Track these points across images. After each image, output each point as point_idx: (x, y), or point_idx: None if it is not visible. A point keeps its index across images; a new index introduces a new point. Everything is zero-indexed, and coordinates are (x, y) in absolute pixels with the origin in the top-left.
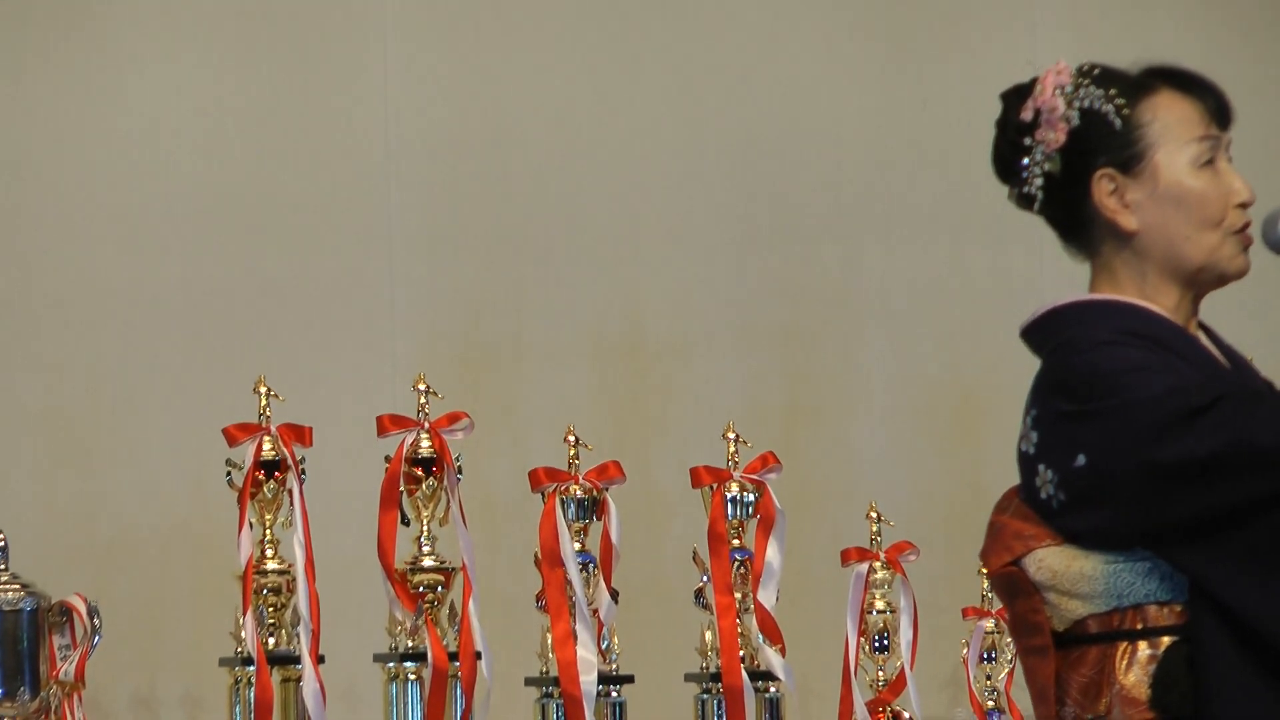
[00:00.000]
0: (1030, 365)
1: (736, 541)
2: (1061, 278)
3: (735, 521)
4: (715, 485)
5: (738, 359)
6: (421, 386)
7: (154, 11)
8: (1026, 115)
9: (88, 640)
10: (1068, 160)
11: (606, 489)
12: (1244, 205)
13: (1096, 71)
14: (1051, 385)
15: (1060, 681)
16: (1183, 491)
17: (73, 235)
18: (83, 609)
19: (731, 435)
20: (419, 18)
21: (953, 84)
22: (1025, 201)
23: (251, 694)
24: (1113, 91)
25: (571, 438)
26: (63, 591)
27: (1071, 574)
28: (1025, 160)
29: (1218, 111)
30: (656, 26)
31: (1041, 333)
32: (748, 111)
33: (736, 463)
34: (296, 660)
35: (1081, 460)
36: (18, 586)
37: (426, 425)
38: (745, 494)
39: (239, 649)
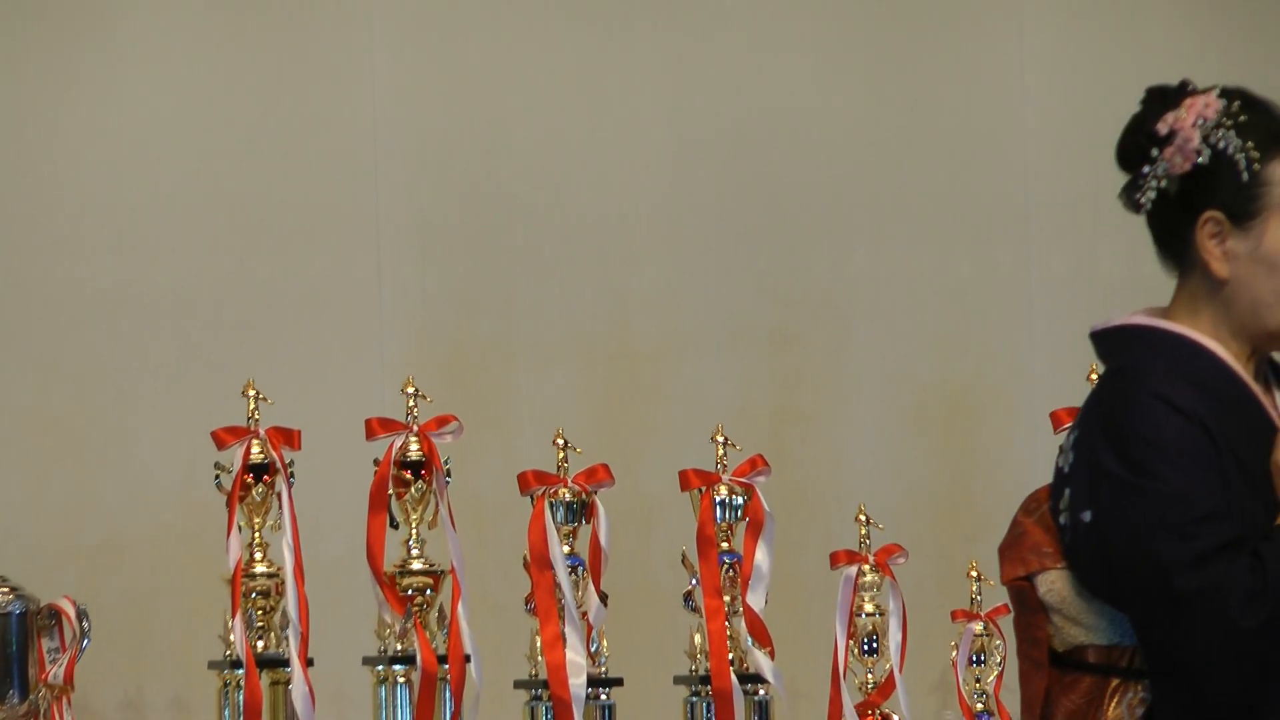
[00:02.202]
0: (1018, 369)
1: (725, 544)
2: (1049, 281)
3: (724, 524)
4: (704, 488)
5: (727, 361)
6: (410, 389)
7: (143, 14)
8: (1162, 129)
9: (76, 643)
10: (1185, 188)
11: (595, 492)
12: None
13: (1243, 117)
14: (1104, 428)
15: (1049, 700)
16: (1151, 601)
17: (61, 236)
18: (71, 612)
19: (720, 438)
20: (407, 17)
21: (942, 85)
22: (1133, 206)
23: (240, 697)
24: (1250, 144)
25: (560, 441)
26: (51, 594)
27: (1079, 603)
28: (1147, 169)
29: None
30: (646, 27)
31: (1108, 344)
32: (736, 113)
33: (725, 466)
34: (285, 663)
35: (1088, 516)
36: (6, 589)
37: (415, 428)
38: (734, 497)
39: (228, 652)
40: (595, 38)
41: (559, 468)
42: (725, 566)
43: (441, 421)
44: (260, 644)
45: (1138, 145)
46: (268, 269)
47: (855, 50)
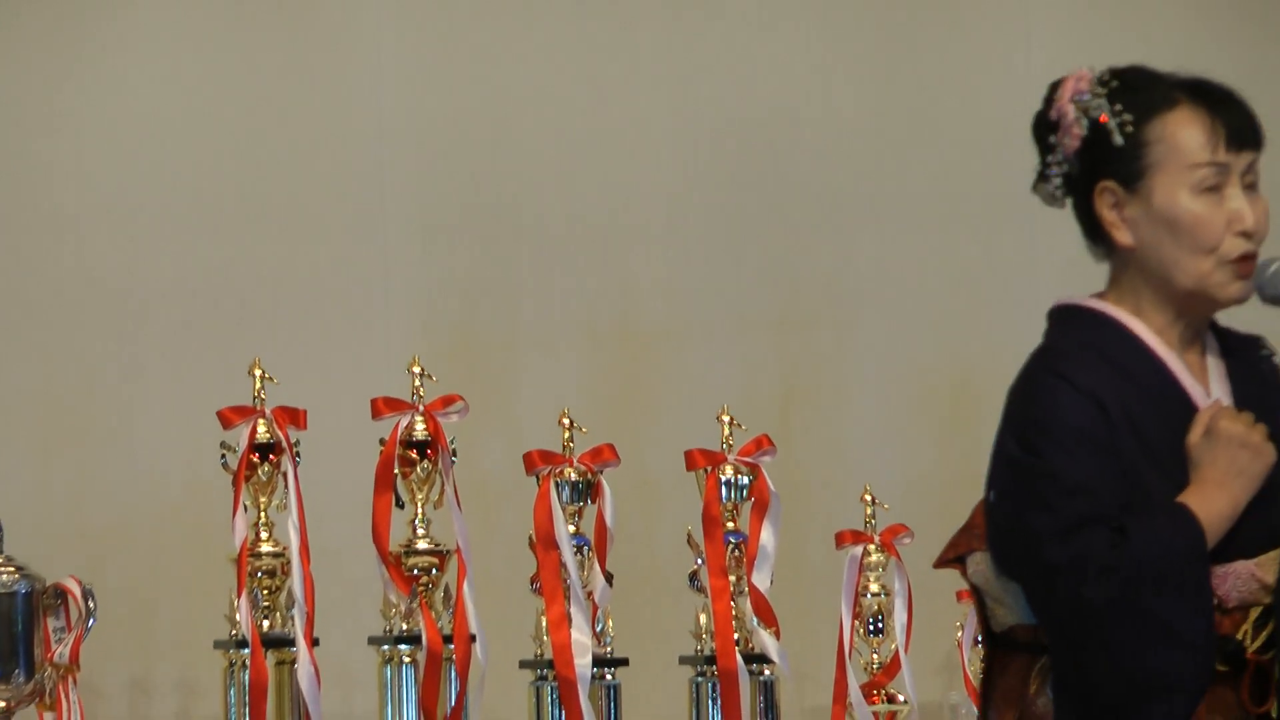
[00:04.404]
0: (1022, 354)
1: (731, 524)
2: (1054, 266)
3: (730, 504)
4: (710, 468)
5: (732, 346)
6: (416, 369)
7: (150, 1)
8: (1053, 115)
9: (82, 623)
10: (1081, 167)
11: (601, 472)
12: (1246, 234)
13: (1115, 83)
14: (1007, 409)
15: (989, 682)
16: (1018, 565)
17: (67, 222)
18: (78, 592)
19: (726, 418)
20: (414, 4)
21: (947, 73)
22: (1049, 198)
23: (246, 677)
24: (1119, 107)
25: (566, 421)
26: (58, 576)
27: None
28: (1049, 158)
29: (1239, 134)
30: (651, 16)
31: (1049, 321)
32: (742, 99)
33: (731, 446)
34: (291, 643)
35: (993, 496)
36: (12, 569)
37: (421, 408)
38: (740, 477)
39: (233, 632)
40: (601, 25)
41: (564, 448)
42: (731, 546)
43: (447, 401)
44: (266, 624)
45: (1040, 139)
46: (273, 253)
47: (861, 37)
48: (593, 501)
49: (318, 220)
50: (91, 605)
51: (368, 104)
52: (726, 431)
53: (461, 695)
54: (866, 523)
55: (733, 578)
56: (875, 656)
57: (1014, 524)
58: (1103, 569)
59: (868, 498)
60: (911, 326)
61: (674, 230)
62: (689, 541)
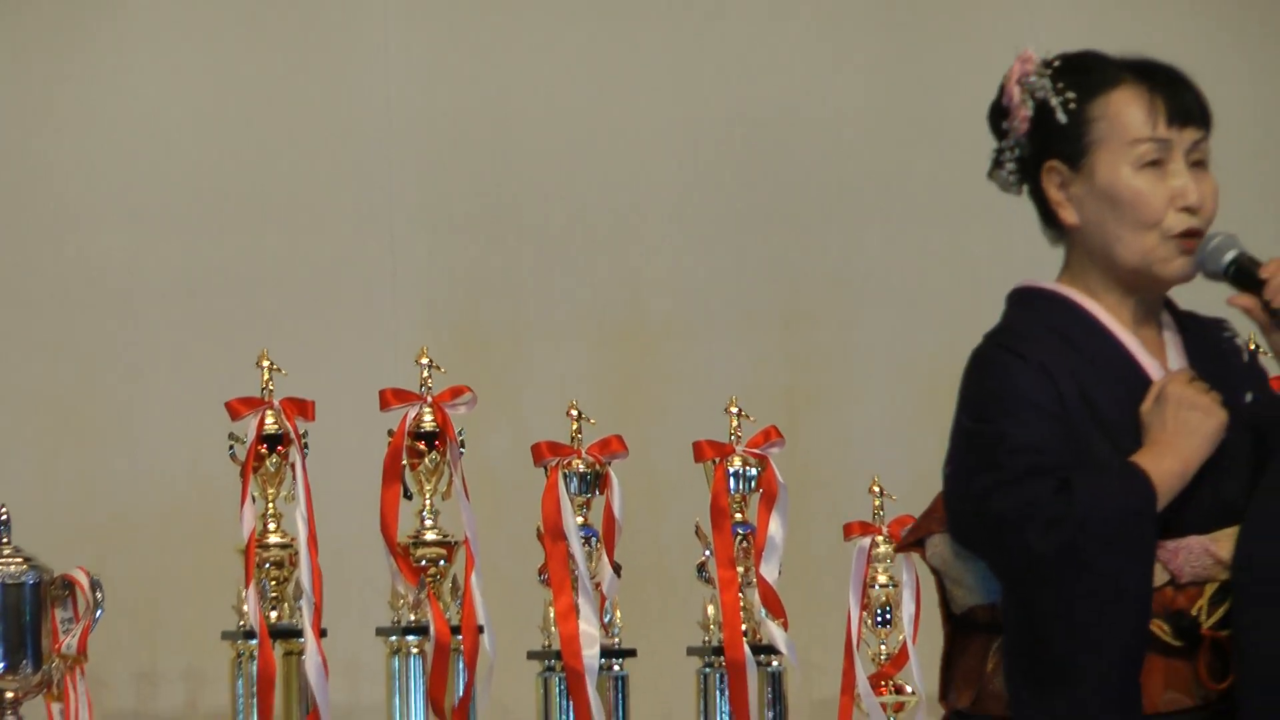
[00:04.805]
0: None
1: (739, 516)
2: (1058, 260)
3: (738, 496)
4: (718, 460)
5: (738, 340)
6: (424, 361)
7: None
8: (1004, 101)
9: (90, 614)
10: (1031, 148)
11: (609, 463)
12: (1189, 210)
13: (1058, 63)
14: (964, 390)
15: (949, 664)
16: (970, 529)
17: (73, 214)
18: (85, 583)
19: (734, 410)
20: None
21: (953, 65)
22: (1003, 185)
23: (254, 668)
24: (1062, 85)
25: (574, 412)
26: (65, 566)
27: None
28: (1002, 144)
29: (1182, 111)
30: (658, 10)
31: (1006, 304)
32: (748, 93)
33: (739, 437)
34: (299, 634)
35: (948, 470)
36: (20, 560)
37: (429, 399)
38: (748, 468)
39: (241, 623)
40: (606, 21)
41: (573, 439)
42: (739, 538)
43: (456, 392)
44: (274, 615)
45: (994, 126)
46: (280, 246)
47: (866, 33)
48: (601, 493)
49: (324, 214)
50: (99, 596)
51: (374, 99)
52: (735, 423)
53: (469, 686)
54: (874, 514)
55: (741, 569)
56: (883, 647)
57: (964, 488)
58: (1050, 520)
59: (875, 489)
60: (917, 319)
61: (681, 224)
62: (697, 533)
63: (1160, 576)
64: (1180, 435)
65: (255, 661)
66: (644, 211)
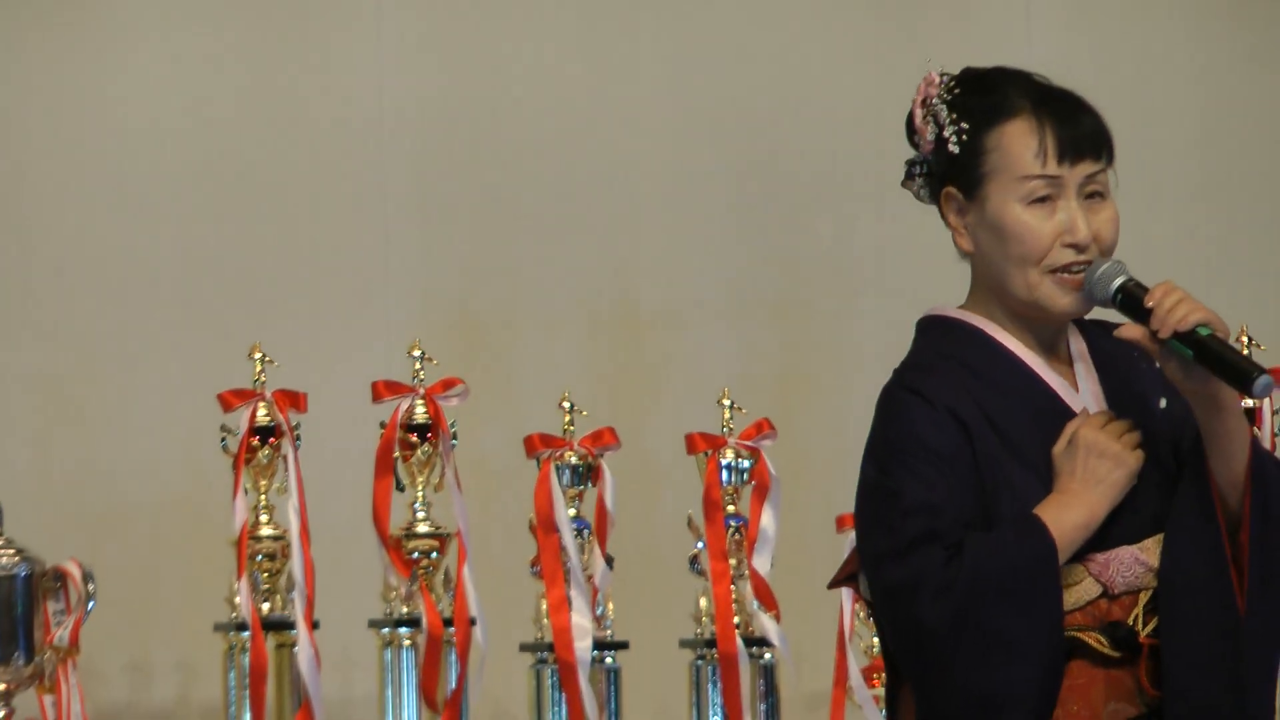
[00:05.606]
0: None
1: (732, 508)
2: None
3: (730, 488)
4: (710, 451)
5: (732, 328)
6: (417, 352)
7: None
8: (911, 120)
9: (82, 606)
10: (934, 170)
11: (601, 455)
12: (1076, 246)
13: (956, 90)
14: (871, 433)
15: (893, 702)
16: (874, 594)
17: (68, 204)
18: (77, 574)
19: (726, 402)
20: None
21: (947, 53)
22: (917, 196)
23: (246, 660)
24: (955, 115)
25: (566, 404)
26: (57, 558)
27: None
28: (913, 157)
29: (1075, 146)
30: None
31: (915, 333)
32: (742, 81)
33: (731, 429)
34: (291, 626)
35: (855, 518)
36: (12, 551)
37: (422, 391)
38: (740, 460)
39: (233, 615)
40: (600, 7)
41: (565, 431)
42: (731, 530)
43: (448, 384)
44: (266, 606)
45: (908, 137)
46: (273, 234)
47: (861, 19)
48: (593, 485)
49: (317, 202)
50: (91, 588)
51: (367, 85)
52: (727, 415)
53: (461, 678)
54: None
55: (733, 561)
56: (876, 640)
57: (863, 546)
58: (937, 589)
59: None
60: (911, 308)
61: (674, 211)
62: (689, 525)
63: (1093, 590)
64: (1088, 486)
65: (247, 653)
66: (637, 198)
